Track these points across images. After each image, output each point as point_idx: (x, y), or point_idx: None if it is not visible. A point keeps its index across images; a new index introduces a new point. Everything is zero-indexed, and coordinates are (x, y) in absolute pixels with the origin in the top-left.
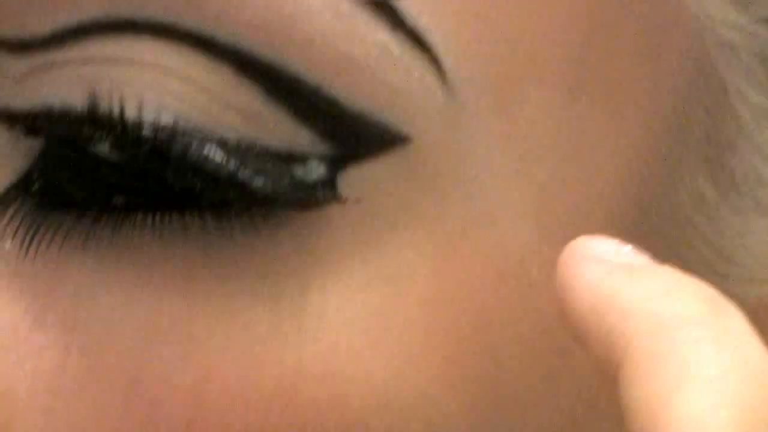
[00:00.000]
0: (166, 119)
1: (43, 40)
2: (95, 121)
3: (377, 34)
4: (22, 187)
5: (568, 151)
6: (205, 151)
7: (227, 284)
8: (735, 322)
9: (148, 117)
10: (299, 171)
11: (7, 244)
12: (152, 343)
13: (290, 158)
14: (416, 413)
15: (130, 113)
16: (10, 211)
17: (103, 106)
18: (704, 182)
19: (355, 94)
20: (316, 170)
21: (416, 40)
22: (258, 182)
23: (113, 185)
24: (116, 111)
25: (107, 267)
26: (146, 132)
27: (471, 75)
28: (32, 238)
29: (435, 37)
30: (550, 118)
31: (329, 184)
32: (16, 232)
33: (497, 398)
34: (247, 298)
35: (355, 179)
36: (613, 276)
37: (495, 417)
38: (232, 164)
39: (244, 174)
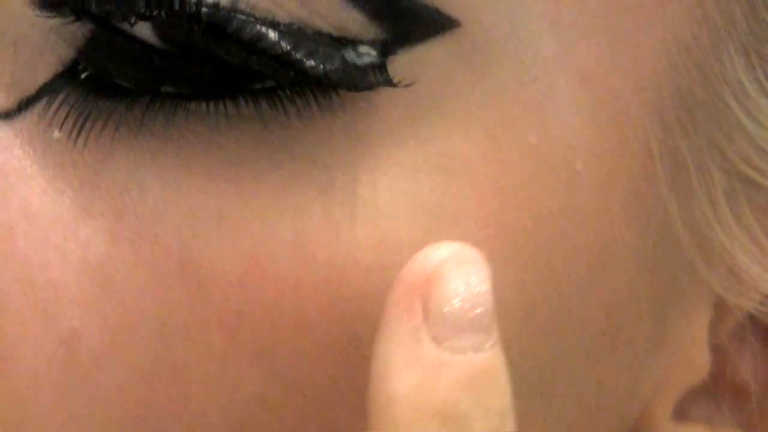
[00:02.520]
0: None
1: None
2: None
3: None
4: (69, 75)
5: (612, 39)
6: (260, 31)
7: (279, 171)
8: None
9: None
10: (350, 55)
11: (55, 134)
12: (201, 231)
13: (342, 42)
14: None
15: None
16: (58, 100)
17: None
18: (744, 74)
19: None
20: (367, 54)
21: None
22: (310, 63)
23: (161, 73)
24: None
25: (157, 155)
26: (205, 8)
27: None
28: (81, 127)
29: None
30: (594, 3)
31: (380, 67)
32: (64, 121)
33: (544, 289)
34: (298, 186)
35: (405, 64)
36: (411, 352)
37: (543, 307)
38: (285, 44)
39: (297, 54)
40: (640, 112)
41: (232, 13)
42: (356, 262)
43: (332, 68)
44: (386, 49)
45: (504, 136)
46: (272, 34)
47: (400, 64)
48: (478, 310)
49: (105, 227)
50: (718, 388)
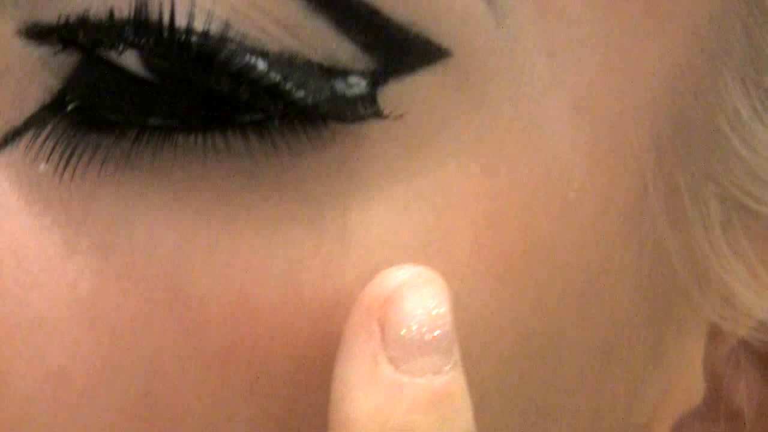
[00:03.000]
0: (215, 27)
1: None
2: (142, 24)
3: None
4: (56, 107)
5: (606, 65)
6: (249, 60)
7: (268, 205)
8: None
9: (198, 24)
10: (340, 86)
11: (41, 167)
12: (190, 268)
13: (331, 72)
14: (461, 334)
15: (179, 20)
16: (44, 133)
17: (153, 12)
18: (740, 101)
19: (396, 4)
20: (357, 85)
21: None
22: (299, 94)
23: (148, 104)
24: (166, 16)
25: (145, 189)
26: (195, 37)
27: None
28: (68, 161)
29: None
30: (588, 30)
31: (370, 99)
32: (50, 154)
33: (539, 319)
34: (287, 221)
35: (396, 95)
36: (370, 374)
37: (538, 336)
38: (275, 74)
39: (286, 84)
40: (635, 140)
41: (221, 43)
42: (346, 298)
43: (321, 100)
44: (376, 79)
45: (497, 168)
46: (262, 65)
47: (391, 95)
48: (436, 333)
49: (92, 264)
50: (712, 413)
